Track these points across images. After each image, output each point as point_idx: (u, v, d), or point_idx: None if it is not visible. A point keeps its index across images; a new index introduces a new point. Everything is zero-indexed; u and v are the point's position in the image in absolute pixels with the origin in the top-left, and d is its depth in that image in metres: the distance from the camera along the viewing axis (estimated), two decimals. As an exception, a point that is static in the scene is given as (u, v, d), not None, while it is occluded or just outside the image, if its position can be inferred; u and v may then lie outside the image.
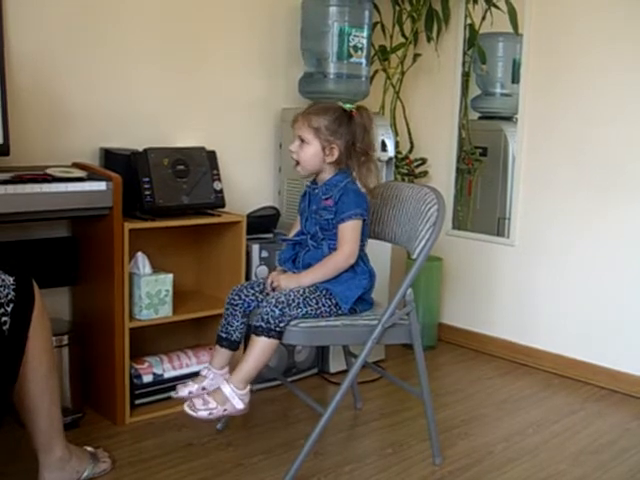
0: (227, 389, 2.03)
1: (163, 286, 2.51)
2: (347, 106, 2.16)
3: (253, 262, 2.75)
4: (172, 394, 2.26)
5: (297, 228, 2.28)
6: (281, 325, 2.02)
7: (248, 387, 2.06)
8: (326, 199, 2.14)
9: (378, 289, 2.32)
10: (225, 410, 2.03)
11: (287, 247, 2.25)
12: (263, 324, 2.01)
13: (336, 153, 2.13)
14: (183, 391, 2.20)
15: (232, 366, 2.17)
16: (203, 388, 2.19)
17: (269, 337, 2.01)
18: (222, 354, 2.22)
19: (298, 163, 2.17)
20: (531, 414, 2.76)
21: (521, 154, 3.28)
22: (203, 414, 2.01)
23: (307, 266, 2.16)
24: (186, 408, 2.03)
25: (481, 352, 3.46)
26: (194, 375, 2.60)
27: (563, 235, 3.16)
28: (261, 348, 2.03)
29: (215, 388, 2.09)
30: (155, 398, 2.61)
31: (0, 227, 2.33)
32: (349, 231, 2.11)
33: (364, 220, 2.15)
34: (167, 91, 2.82)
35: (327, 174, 2.17)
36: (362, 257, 2.18)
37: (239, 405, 2.03)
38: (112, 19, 2.63)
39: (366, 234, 2.20)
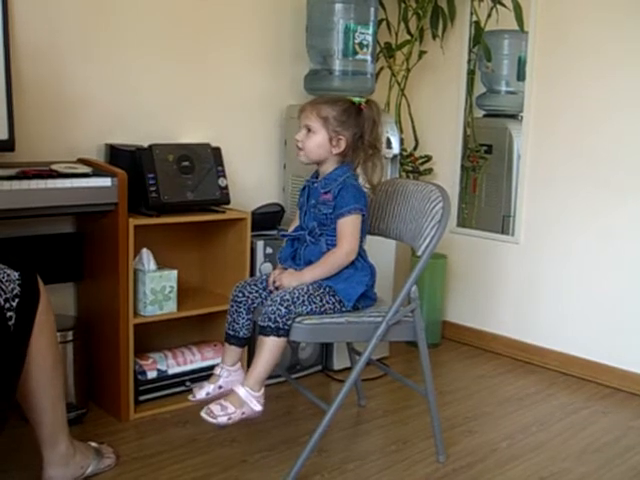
0: (242, 391, 2.01)
1: (168, 282, 2.51)
2: (356, 100, 2.15)
3: (258, 259, 2.75)
4: (189, 397, 2.21)
5: (296, 223, 2.27)
6: (288, 323, 2.01)
7: (263, 389, 2.05)
8: (325, 193, 2.13)
9: (383, 286, 2.32)
10: (243, 413, 2.00)
11: (286, 244, 2.24)
12: (271, 324, 2.00)
13: (343, 145, 2.12)
14: (200, 393, 2.18)
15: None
16: (220, 387, 2.18)
17: (278, 336, 2.01)
18: (232, 351, 2.21)
19: (301, 150, 2.15)
20: (535, 412, 2.75)
21: (526, 152, 3.28)
22: (222, 420, 1.98)
23: (308, 262, 2.14)
24: (204, 415, 1.98)
25: (485, 350, 3.45)
26: (197, 371, 2.63)
27: (568, 233, 3.16)
28: (271, 348, 2.02)
29: (230, 392, 2.05)
30: (159, 394, 2.61)
31: (5, 223, 2.33)
32: (348, 226, 2.10)
33: (363, 215, 2.13)
34: (172, 87, 2.82)
35: (330, 166, 2.16)
36: (361, 253, 2.17)
37: (257, 407, 2.02)
38: (118, 15, 2.63)
39: (365, 230, 2.19)
